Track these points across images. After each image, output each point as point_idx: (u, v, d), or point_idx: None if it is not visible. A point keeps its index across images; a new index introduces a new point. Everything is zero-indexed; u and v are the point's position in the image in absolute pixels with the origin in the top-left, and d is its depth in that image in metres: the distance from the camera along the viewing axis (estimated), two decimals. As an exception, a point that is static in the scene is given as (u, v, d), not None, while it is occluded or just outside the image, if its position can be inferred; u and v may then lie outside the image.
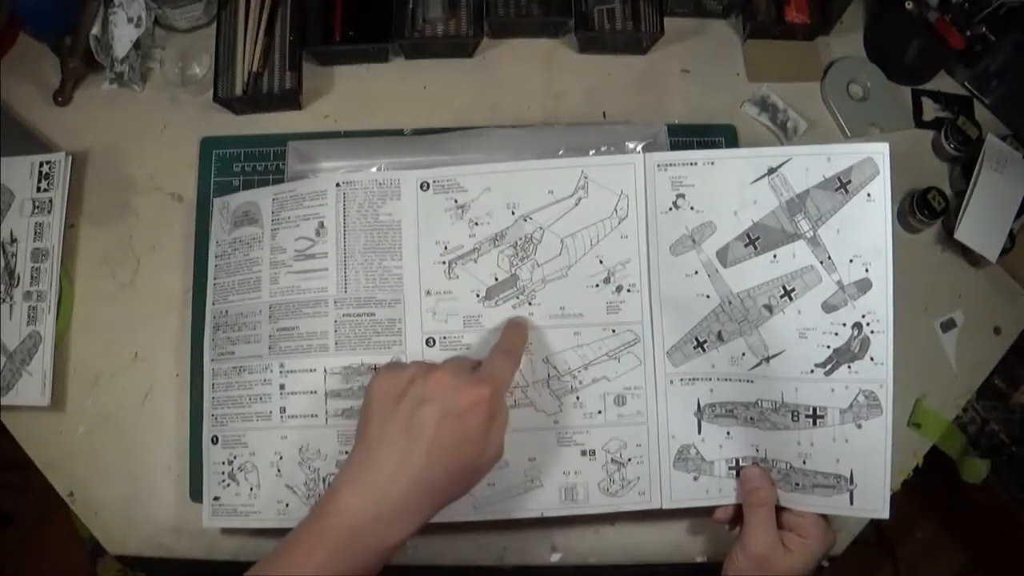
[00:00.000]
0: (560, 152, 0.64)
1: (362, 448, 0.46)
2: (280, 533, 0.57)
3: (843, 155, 0.52)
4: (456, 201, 0.56)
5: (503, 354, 0.51)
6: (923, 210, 0.65)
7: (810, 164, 0.52)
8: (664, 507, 0.55)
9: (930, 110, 0.72)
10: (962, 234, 0.65)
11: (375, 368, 0.55)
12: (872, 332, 0.52)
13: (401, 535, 0.44)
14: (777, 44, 0.72)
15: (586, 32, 0.70)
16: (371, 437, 0.45)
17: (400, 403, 0.45)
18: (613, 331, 0.55)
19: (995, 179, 0.66)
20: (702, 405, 0.55)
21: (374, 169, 0.64)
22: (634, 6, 0.71)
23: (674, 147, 0.65)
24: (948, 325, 0.67)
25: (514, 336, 0.53)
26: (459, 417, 0.45)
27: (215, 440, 0.57)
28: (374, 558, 0.43)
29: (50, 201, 0.65)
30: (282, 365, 0.56)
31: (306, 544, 0.43)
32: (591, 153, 0.64)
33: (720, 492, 0.55)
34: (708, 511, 0.56)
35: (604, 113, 0.70)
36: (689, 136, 0.68)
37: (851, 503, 0.52)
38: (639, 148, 0.64)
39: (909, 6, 0.68)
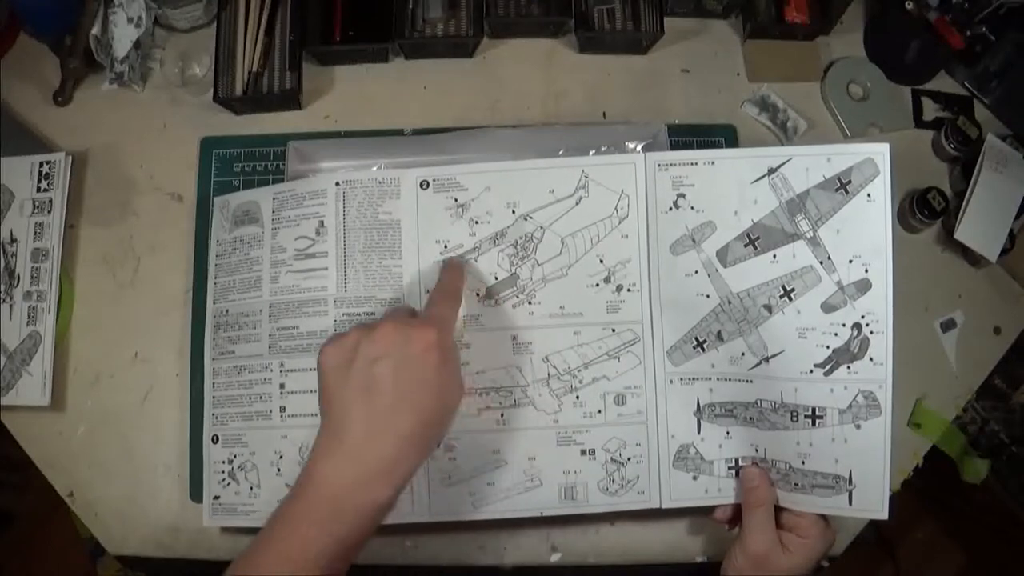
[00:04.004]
0: (560, 152, 0.64)
1: (328, 421, 0.46)
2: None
3: (843, 155, 0.52)
4: (456, 200, 0.56)
5: (443, 295, 0.52)
6: (923, 210, 0.65)
7: (810, 164, 0.52)
8: (663, 507, 0.55)
9: (930, 110, 0.72)
10: (962, 234, 0.65)
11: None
12: (872, 332, 0.52)
13: (387, 494, 0.44)
14: (777, 44, 0.72)
15: (586, 32, 0.70)
16: (334, 407, 0.45)
17: (352, 367, 0.45)
18: (613, 330, 0.55)
19: (995, 179, 0.66)
20: (702, 405, 0.55)
21: (374, 169, 0.64)
22: (634, 6, 0.71)
23: (674, 147, 0.65)
24: (948, 325, 0.67)
25: (452, 277, 0.53)
26: (413, 364, 0.45)
27: (215, 439, 0.57)
28: (365, 522, 0.43)
29: (50, 201, 0.65)
30: (282, 364, 0.56)
31: (291, 522, 0.43)
32: (591, 153, 0.64)
33: (719, 492, 0.55)
34: (707, 511, 0.56)
35: (604, 113, 0.70)
36: (689, 136, 0.68)
37: (850, 503, 0.52)
38: (639, 148, 0.64)
39: (909, 6, 0.67)
